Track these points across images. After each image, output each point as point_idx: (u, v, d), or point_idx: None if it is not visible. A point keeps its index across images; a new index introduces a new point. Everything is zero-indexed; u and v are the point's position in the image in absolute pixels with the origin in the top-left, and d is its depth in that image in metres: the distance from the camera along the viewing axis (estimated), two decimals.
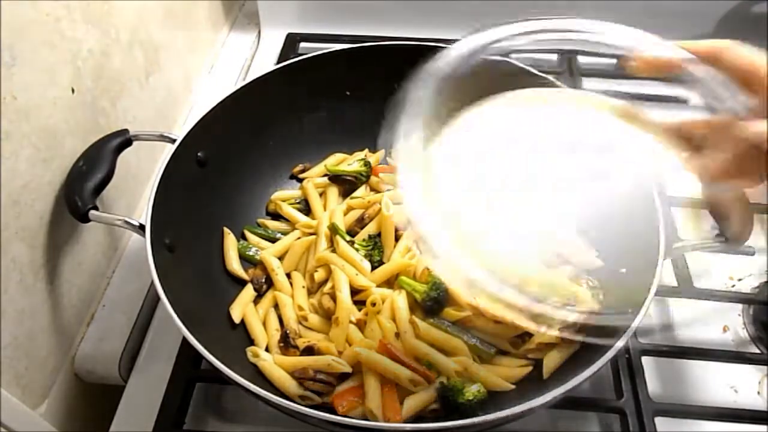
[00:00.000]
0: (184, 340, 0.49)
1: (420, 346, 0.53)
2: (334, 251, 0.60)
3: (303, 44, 0.90)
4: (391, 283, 0.59)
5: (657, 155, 0.40)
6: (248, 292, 0.60)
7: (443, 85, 0.39)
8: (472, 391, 0.50)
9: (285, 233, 0.65)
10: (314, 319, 0.57)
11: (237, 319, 0.58)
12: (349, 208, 0.65)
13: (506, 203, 0.37)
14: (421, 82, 0.39)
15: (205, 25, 0.90)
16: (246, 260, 0.63)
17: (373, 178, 0.68)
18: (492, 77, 0.43)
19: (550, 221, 0.36)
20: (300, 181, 0.70)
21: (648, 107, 0.38)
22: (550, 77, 0.56)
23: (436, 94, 0.39)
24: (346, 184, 0.68)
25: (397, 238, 0.60)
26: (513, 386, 0.52)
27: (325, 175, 0.69)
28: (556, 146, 0.39)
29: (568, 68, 0.81)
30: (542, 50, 0.40)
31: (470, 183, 0.38)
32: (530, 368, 0.53)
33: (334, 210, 0.64)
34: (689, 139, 0.39)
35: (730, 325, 0.62)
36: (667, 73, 0.38)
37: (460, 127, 0.41)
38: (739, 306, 0.63)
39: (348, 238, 0.61)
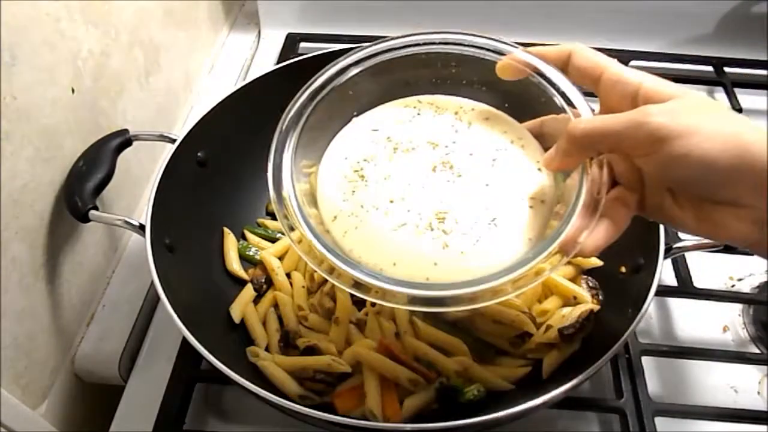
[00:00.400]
0: (184, 340, 0.49)
1: (420, 346, 0.53)
2: None
3: (303, 44, 0.90)
4: None
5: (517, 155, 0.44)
6: (248, 292, 0.60)
7: (327, 100, 0.46)
8: (472, 391, 0.50)
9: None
10: (314, 319, 0.57)
11: (237, 319, 0.58)
12: None
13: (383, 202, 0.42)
14: (295, 102, 0.45)
15: (205, 25, 0.89)
16: (246, 260, 0.63)
17: None
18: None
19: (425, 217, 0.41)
20: None
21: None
22: None
23: (321, 109, 0.45)
24: None
25: None
26: (513, 386, 0.52)
27: None
28: (427, 147, 0.44)
29: None
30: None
31: (351, 184, 0.44)
32: (530, 368, 0.53)
33: None
34: (545, 137, 0.44)
35: (730, 325, 0.62)
36: (521, 76, 0.42)
37: (346, 134, 0.47)
38: (739, 306, 0.63)
39: None
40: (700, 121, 0.32)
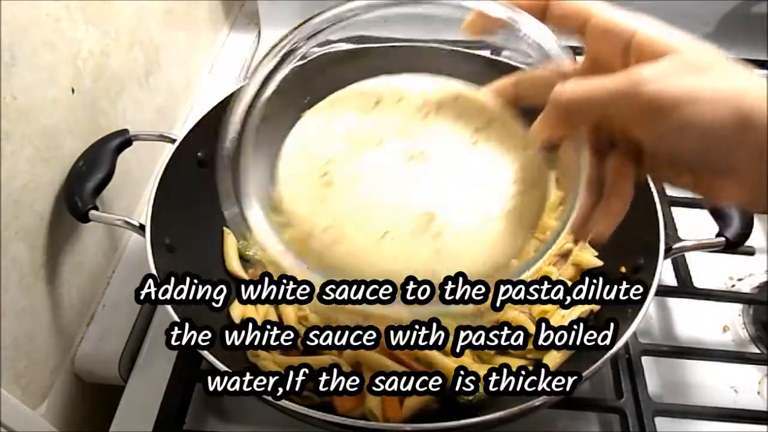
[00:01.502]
0: None
1: None
2: None
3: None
4: None
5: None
6: None
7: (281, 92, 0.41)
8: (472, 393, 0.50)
9: None
10: (314, 319, 0.57)
11: (237, 319, 0.57)
12: None
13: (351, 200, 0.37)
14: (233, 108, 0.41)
15: (205, 25, 0.89)
16: (246, 260, 0.63)
17: None
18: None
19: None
20: None
21: None
22: None
23: (268, 108, 0.41)
24: None
25: None
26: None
27: None
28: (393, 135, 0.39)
29: None
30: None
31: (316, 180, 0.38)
32: (530, 368, 0.53)
33: None
34: (523, 100, 0.39)
35: (730, 325, 0.62)
36: (494, 30, 0.36)
37: (300, 133, 0.41)
38: (739, 306, 0.63)
39: None
40: (698, 84, 0.29)
